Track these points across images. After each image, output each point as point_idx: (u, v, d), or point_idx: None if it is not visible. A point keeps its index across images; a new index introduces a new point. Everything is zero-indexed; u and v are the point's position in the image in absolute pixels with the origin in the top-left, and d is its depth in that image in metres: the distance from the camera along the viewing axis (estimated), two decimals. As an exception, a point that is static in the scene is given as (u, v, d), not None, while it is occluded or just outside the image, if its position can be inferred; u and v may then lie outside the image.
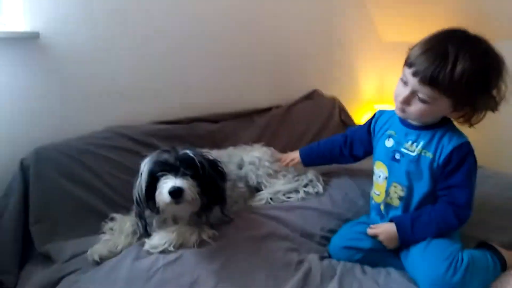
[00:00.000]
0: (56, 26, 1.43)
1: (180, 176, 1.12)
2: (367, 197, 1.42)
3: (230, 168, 1.48)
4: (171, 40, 1.74)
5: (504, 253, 1.14)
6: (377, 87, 2.89)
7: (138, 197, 1.18)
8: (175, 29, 1.74)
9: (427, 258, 1.06)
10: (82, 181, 1.39)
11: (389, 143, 1.22)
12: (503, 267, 1.11)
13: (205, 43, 1.85)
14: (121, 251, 1.15)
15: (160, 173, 1.14)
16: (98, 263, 1.12)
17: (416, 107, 1.07)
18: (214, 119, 1.85)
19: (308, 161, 1.51)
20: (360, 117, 2.76)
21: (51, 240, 1.25)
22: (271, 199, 1.45)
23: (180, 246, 1.13)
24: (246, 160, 1.53)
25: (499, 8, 2.13)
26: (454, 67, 0.98)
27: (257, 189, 1.51)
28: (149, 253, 1.11)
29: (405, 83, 1.08)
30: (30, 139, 1.40)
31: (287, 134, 2.06)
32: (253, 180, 1.49)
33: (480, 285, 1.04)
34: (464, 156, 1.09)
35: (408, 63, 1.07)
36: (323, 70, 2.54)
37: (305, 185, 1.49)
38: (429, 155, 1.12)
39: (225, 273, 1.04)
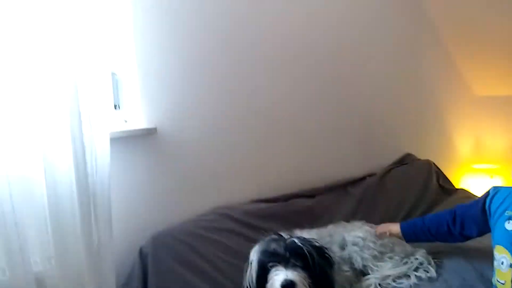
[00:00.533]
0: (170, 120, 1.59)
1: (291, 268, 1.14)
2: (488, 282, 1.29)
3: (333, 249, 1.46)
4: (264, 121, 1.83)
5: None
6: (473, 146, 2.72)
7: (249, 286, 1.20)
8: (268, 110, 1.84)
9: None
10: (194, 265, 1.46)
11: (510, 225, 1.13)
12: None
13: (295, 122, 1.92)
14: None
15: (270, 264, 1.17)
16: None
17: None
18: (309, 194, 1.87)
19: (410, 236, 1.44)
20: (458, 180, 2.59)
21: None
22: (379, 285, 1.38)
23: None
24: (348, 240, 1.49)
25: None
26: None
27: (362, 272, 1.45)
28: None
29: None
30: (146, 226, 1.52)
31: (384, 204, 2.00)
32: (358, 263, 1.45)
33: None
34: None
35: None
36: (414, 131, 2.47)
37: (416, 269, 1.41)
38: None
39: None
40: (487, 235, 1.28)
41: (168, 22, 1.55)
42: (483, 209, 1.25)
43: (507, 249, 1.12)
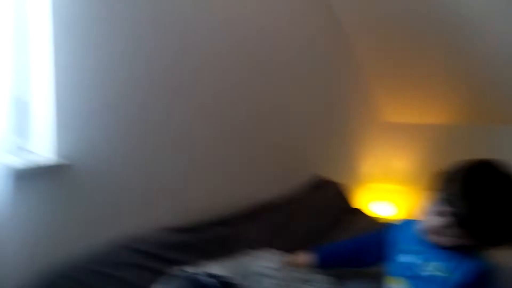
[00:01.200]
0: (81, 152, 1.44)
1: None
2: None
3: (239, 279, 1.41)
4: (176, 148, 1.75)
5: None
6: (376, 167, 2.90)
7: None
8: (181, 136, 1.76)
9: None
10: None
11: (405, 258, 1.20)
12: None
13: (209, 149, 1.87)
14: None
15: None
16: None
17: (443, 239, 1.08)
18: (224, 221, 1.82)
19: (324, 263, 1.45)
20: (360, 198, 2.71)
21: None
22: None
23: None
24: (255, 270, 1.46)
25: (500, 94, 2.19)
26: (497, 217, 1.00)
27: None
28: None
29: (438, 212, 1.08)
30: (32, 262, 1.34)
31: (298, 229, 2.02)
32: (263, 294, 1.41)
33: None
34: (483, 281, 1.07)
35: (448, 200, 1.05)
36: (325, 154, 2.57)
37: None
38: (445, 274, 1.10)
39: None
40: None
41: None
42: (380, 241, 1.32)
43: (402, 280, 1.18)
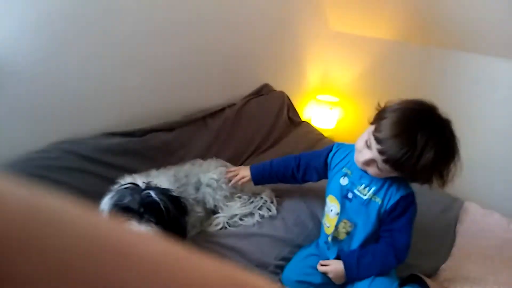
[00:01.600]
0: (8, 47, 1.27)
1: (144, 223, 1.13)
2: (316, 219, 1.54)
3: (188, 191, 1.50)
4: (119, 49, 1.62)
5: (430, 284, 1.33)
6: (321, 77, 2.97)
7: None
8: (125, 38, 1.62)
9: (370, 298, 1.21)
10: (32, 210, 1.32)
11: (344, 181, 1.32)
12: (428, 297, 1.30)
13: (154, 52, 1.75)
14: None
15: (123, 218, 1.13)
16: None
17: (373, 170, 1.17)
18: (168, 128, 1.80)
19: (259, 180, 1.54)
20: (303, 108, 2.83)
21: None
22: (227, 223, 1.50)
23: None
24: (203, 181, 1.54)
25: (447, 16, 2.25)
26: (420, 158, 1.05)
27: (213, 211, 1.55)
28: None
29: (368, 147, 1.15)
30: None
31: (239, 136, 2.08)
32: (210, 204, 1.53)
33: (410, 319, 1.21)
34: (408, 204, 1.22)
35: (376, 138, 1.11)
36: (272, 62, 2.54)
37: (260, 207, 1.56)
38: (378, 200, 1.24)
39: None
40: (323, 180, 1.47)
41: None
42: (325, 162, 1.41)
43: (337, 199, 1.31)
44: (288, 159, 1.54)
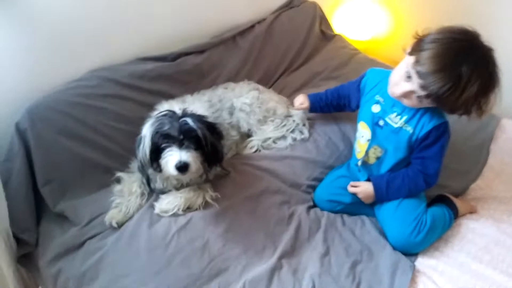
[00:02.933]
0: None
1: (184, 149, 1.19)
2: (347, 141, 1.57)
3: (223, 116, 1.55)
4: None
5: (457, 203, 1.38)
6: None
7: (142, 160, 1.26)
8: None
9: (397, 218, 1.28)
10: (80, 136, 1.42)
11: (376, 108, 1.31)
12: (455, 216, 1.36)
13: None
14: (133, 214, 1.29)
15: (163, 145, 1.21)
16: (116, 227, 1.26)
17: (410, 101, 1.15)
18: (199, 50, 1.79)
19: (316, 108, 1.57)
20: (333, 14, 2.64)
21: (63, 199, 1.35)
22: (261, 146, 1.56)
23: (187, 209, 1.28)
24: (236, 106, 1.57)
25: None
26: (464, 91, 1.04)
27: (247, 135, 1.60)
28: (159, 216, 1.26)
29: (408, 77, 1.12)
30: (18, 98, 1.36)
31: (270, 54, 2.03)
32: (244, 128, 1.58)
33: (437, 238, 1.29)
34: (440, 134, 1.22)
35: (418, 72, 1.08)
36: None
37: (292, 130, 1.60)
38: (410, 129, 1.24)
39: (230, 235, 1.23)
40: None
41: None
42: (358, 88, 1.40)
43: (368, 126, 1.32)
44: (340, 88, 1.53)
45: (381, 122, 1.29)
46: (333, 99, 1.52)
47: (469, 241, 1.29)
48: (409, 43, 1.16)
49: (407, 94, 1.14)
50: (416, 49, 1.11)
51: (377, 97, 1.31)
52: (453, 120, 1.26)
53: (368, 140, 1.33)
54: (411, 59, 1.11)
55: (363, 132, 1.35)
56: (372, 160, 1.35)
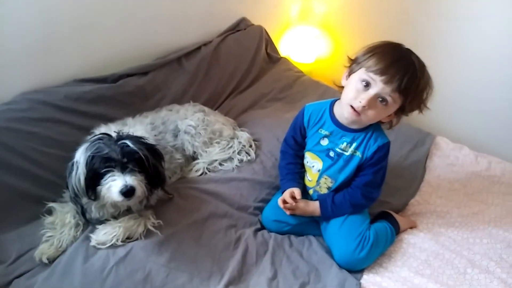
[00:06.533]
0: None
1: (129, 173, 1.13)
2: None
3: (167, 138, 1.50)
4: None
5: (399, 219, 1.42)
6: (301, 7, 2.82)
7: (75, 188, 1.17)
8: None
9: (342, 234, 1.29)
10: (6, 164, 1.30)
11: (324, 142, 1.33)
12: (397, 231, 1.40)
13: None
14: (66, 247, 1.19)
15: (104, 170, 1.13)
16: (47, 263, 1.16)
17: (374, 110, 1.18)
18: (142, 71, 1.74)
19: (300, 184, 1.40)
20: (279, 38, 2.71)
21: (-12, 234, 1.22)
22: (207, 169, 1.53)
23: (127, 239, 1.20)
24: (181, 128, 1.54)
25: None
26: (421, 78, 1.13)
27: (192, 157, 1.56)
28: (96, 248, 1.17)
29: (367, 85, 1.15)
30: None
31: (217, 76, 2.03)
32: (189, 150, 1.54)
33: (380, 253, 1.32)
34: (384, 154, 1.27)
35: (375, 71, 1.13)
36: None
37: (239, 152, 1.59)
38: (359, 154, 1.28)
39: (174, 264, 1.17)
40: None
41: None
42: (301, 132, 1.39)
43: (319, 157, 1.34)
44: (286, 154, 1.45)
45: (331, 154, 1.32)
46: (294, 166, 1.42)
47: (410, 256, 1.33)
48: (345, 69, 1.24)
49: (371, 103, 1.15)
50: (358, 63, 1.18)
51: (322, 131, 1.33)
52: (391, 139, 1.32)
53: (319, 171, 1.35)
54: (359, 72, 1.17)
55: (313, 162, 1.36)
56: (324, 190, 1.37)
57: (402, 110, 1.22)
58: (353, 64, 1.20)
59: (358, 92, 1.17)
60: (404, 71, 1.12)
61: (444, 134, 1.99)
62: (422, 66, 1.16)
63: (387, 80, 1.12)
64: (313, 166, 1.36)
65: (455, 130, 2.20)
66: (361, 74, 1.17)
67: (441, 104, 2.20)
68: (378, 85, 1.13)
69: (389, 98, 1.15)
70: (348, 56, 1.22)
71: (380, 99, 1.15)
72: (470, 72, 2.16)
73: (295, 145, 1.41)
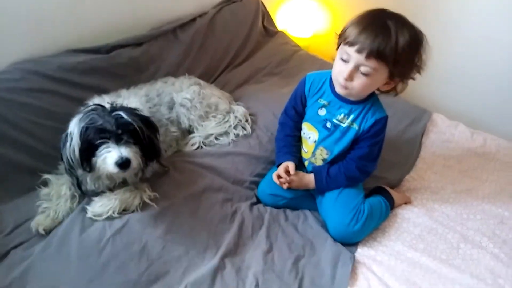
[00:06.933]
0: None
1: (123, 144, 1.12)
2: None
3: (161, 110, 1.48)
4: None
5: (393, 194, 1.43)
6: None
7: (70, 159, 1.16)
8: None
9: (337, 207, 1.30)
10: (1, 135, 1.28)
11: (322, 112, 1.32)
12: (391, 206, 1.41)
13: None
14: (63, 218, 1.19)
15: (99, 141, 1.12)
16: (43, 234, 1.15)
17: (358, 81, 1.16)
18: (136, 43, 1.70)
19: (296, 158, 1.40)
20: (276, 11, 2.65)
21: (-16, 205, 1.21)
22: (203, 142, 1.52)
23: (123, 211, 1.20)
24: (177, 101, 1.52)
25: None
26: (398, 40, 1.08)
27: (188, 131, 1.55)
28: (92, 220, 1.17)
29: (345, 61, 1.15)
30: None
31: (212, 48, 1.99)
32: (185, 124, 1.52)
33: (374, 227, 1.33)
34: (380, 128, 1.26)
35: (348, 42, 1.12)
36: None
37: (235, 126, 1.57)
38: (355, 126, 1.27)
39: (170, 237, 1.17)
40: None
41: None
42: (302, 101, 1.38)
43: (316, 128, 1.33)
44: (284, 125, 1.44)
45: (328, 124, 1.31)
46: (291, 138, 1.42)
47: (404, 230, 1.34)
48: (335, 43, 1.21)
49: (352, 74, 1.15)
50: (339, 38, 1.18)
51: (321, 101, 1.31)
52: (389, 114, 1.30)
53: (315, 142, 1.34)
54: (340, 47, 1.17)
55: (310, 133, 1.36)
56: (319, 162, 1.37)
57: (395, 76, 1.18)
58: (338, 39, 1.19)
59: (340, 67, 1.17)
60: (373, 36, 1.09)
61: (440, 111, 1.98)
62: (400, 27, 1.10)
63: (359, 49, 1.11)
64: (309, 138, 1.36)
65: (451, 107, 2.20)
66: (340, 50, 1.17)
67: (438, 81, 2.21)
68: (353, 57, 1.13)
69: (367, 68, 1.12)
70: (335, 32, 1.20)
71: (361, 71, 1.14)
72: (467, 48, 2.14)
73: (295, 116, 1.40)
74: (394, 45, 1.09)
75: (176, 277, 1.11)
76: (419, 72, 1.20)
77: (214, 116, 1.56)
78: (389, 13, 1.15)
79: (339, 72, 1.17)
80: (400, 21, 1.13)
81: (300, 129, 1.40)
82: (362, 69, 1.13)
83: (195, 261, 1.15)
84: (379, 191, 1.44)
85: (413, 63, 1.17)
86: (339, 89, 1.23)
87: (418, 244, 1.29)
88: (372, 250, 1.27)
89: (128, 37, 1.68)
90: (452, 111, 2.07)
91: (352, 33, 1.12)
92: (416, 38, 1.13)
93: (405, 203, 1.46)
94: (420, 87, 1.95)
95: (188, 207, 1.27)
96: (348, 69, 1.14)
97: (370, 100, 1.26)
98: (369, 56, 1.10)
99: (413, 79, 1.23)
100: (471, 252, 1.27)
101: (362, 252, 1.27)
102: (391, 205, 1.41)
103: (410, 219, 1.38)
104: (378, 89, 1.25)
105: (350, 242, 1.28)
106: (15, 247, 1.13)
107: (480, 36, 2.06)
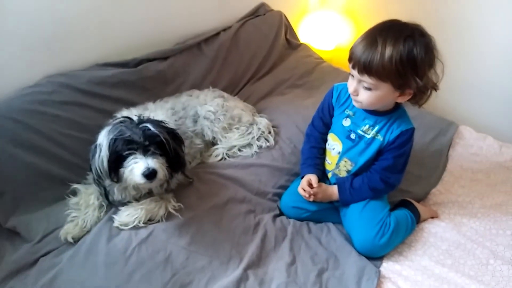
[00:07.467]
0: None
1: (151, 155, 1.15)
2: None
3: (187, 123, 1.51)
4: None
5: (419, 208, 1.41)
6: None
7: (98, 170, 1.19)
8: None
9: (362, 221, 1.29)
10: (34, 146, 1.34)
11: (347, 122, 1.32)
12: (417, 220, 1.38)
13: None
14: (91, 227, 1.22)
15: (127, 152, 1.15)
16: (72, 242, 1.19)
17: (364, 95, 1.17)
18: (162, 56, 1.75)
19: (319, 170, 1.40)
20: (298, 24, 2.67)
21: (15, 214, 1.26)
22: (226, 154, 1.53)
23: (148, 221, 1.23)
24: (201, 114, 1.54)
25: None
26: (383, 53, 1.07)
27: (212, 143, 1.57)
28: (119, 229, 1.20)
29: (352, 76, 1.18)
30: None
31: (236, 62, 2.02)
32: (209, 136, 1.55)
33: (400, 241, 1.31)
34: (406, 139, 1.25)
35: (349, 58, 1.16)
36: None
37: (258, 138, 1.58)
38: (380, 137, 1.26)
39: (194, 247, 1.19)
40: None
41: None
42: (329, 111, 1.39)
43: (340, 139, 1.33)
44: (310, 137, 1.45)
45: (352, 135, 1.30)
46: (317, 151, 1.42)
47: (431, 245, 1.31)
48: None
49: (356, 90, 1.18)
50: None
51: (347, 111, 1.32)
52: (415, 126, 1.29)
53: (339, 153, 1.34)
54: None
55: (334, 144, 1.35)
56: (343, 173, 1.36)
57: (402, 88, 1.15)
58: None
59: (349, 81, 1.21)
60: (361, 52, 1.10)
61: (468, 124, 1.94)
62: (390, 41, 1.08)
63: (353, 65, 1.14)
64: (333, 149, 1.35)
65: (479, 119, 2.15)
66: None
67: (465, 92, 2.17)
68: (353, 72, 1.16)
69: (366, 83, 1.14)
70: None
71: (363, 86, 1.16)
72: (495, 60, 2.09)
73: (322, 127, 1.41)
74: (380, 59, 1.08)
75: (200, 287, 1.11)
76: (434, 84, 1.16)
77: (237, 128, 1.58)
78: (386, 26, 1.13)
79: (349, 86, 1.21)
80: (392, 32, 1.10)
81: (326, 140, 1.40)
82: (363, 83, 1.15)
83: (218, 272, 1.16)
84: (404, 204, 1.41)
85: (416, 75, 1.11)
86: (353, 102, 1.25)
87: (445, 260, 1.26)
88: (398, 265, 1.24)
89: (154, 51, 1.73)
90: (479, 124, 2.02)
91: (350, 50, 1.15)
92: (409, 49, 1.09)
93: (432, 218, 1.42)
94: (447, 99, 1.92)
95: (211, 218, 1.28)
96: (353, 84, 1.18)
97: (396, 111, 1.25)
98: (361, 71, 1.12)
99: (434, 90, 1.18)
100: (501, 269, 1.23)
101: (387, 267, 1.24)
102: (417, 219, 1.38)
103: (437, 234, 1.34)
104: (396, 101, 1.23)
105: (375, 256, 1.26)
106: (44, 255, 1.17)
107: (510, 47, 2.02)
